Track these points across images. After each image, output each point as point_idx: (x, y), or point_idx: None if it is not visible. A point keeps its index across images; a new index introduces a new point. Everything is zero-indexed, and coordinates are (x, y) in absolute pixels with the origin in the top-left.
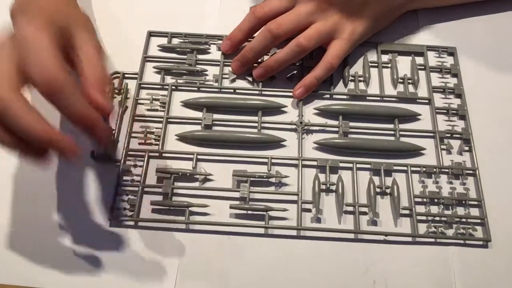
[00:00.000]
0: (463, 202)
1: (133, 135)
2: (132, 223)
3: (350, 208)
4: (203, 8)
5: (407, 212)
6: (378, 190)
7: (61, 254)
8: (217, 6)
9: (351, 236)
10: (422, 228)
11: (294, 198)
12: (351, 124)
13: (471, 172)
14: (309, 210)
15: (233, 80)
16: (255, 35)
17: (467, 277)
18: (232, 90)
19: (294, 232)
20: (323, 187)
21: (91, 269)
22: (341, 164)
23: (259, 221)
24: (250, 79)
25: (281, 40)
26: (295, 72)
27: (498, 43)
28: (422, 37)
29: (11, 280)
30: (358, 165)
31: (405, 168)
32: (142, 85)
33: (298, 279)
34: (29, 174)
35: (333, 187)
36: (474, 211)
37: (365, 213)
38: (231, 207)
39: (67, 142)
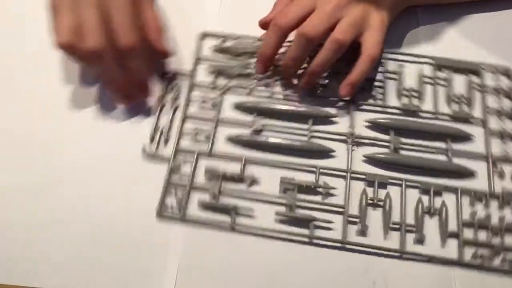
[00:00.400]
0: None
1: (184, 133)
2: (178, 220)
3: (396, 226)
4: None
5: (453, 235)
6: (426, 210)
7: (63, 253)
8: (217, 5)
9: (396, 253)
10: (468, 252)
11: (340, 210)
12: (402, 140)
13: None
14: (354, 223)
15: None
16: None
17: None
18: (282, 96)
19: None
20: (370, 201)
21: (91, 268)
22: (390, 180)
23: (303, 229)
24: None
25: (317, 43)
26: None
27: None
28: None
29: (11, 280)
30: (407, 183)
31: (455, 190)
32: (194, 85)
33: (299, 283)
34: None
35: (380, 203)
36: None
37: (411, 231)
38: (277, 214)
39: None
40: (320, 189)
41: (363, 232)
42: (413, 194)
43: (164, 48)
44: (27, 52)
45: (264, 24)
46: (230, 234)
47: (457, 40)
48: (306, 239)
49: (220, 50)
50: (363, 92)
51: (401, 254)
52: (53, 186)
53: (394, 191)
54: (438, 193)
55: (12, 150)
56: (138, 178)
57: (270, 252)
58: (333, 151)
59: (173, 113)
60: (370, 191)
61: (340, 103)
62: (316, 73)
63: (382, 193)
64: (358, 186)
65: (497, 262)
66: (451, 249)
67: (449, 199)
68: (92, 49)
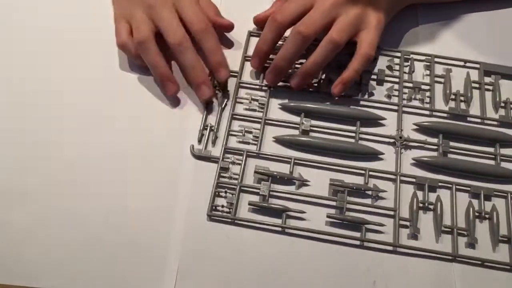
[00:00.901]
0: None
1: (232, 133)
2: (229, 220)
3: (448, 229)
4: None
5: (505, 239)
6: (476, 214)
7: (63, 253)
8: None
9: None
10: None
11: (391, 213)
12: (451, 143)
13: None
14: (405, 227)
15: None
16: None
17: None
18: (329, 97)
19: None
20: (421, 205)
21: (91, 269)
22: (440, 184)
23: (354, 231)
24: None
25: (311, 41)
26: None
27: None
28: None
29: (11, 280)
30: (457, 187)
31: (505, 194)
32: (241, 84)
33: (300, 278)
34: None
35: (431, 206)
36: None
37: (463, 235)
38: (328, 216)
39: (169, 83)
40: (369, 192)
41: (415, 236)
42: (463, 198)
43: (227, 22)
44: (26, 52)
45: (259, 21)
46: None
47: (456, 39)
48: (357, 242)
49: None
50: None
51: (454, 258)
52: (53, 186)
53: (443, 194)
54: (488, 197)
55: (12, 150)
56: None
57: (272, 250)
58: (382, 153)
59: (221, 112)
60: (420, 194)
61: (387, 106)
62: (310, 72)
63: (431, 197)
64: (407, 189)
65: None
66: (503, 254)
67: (499, 203)
68: (179, 41)
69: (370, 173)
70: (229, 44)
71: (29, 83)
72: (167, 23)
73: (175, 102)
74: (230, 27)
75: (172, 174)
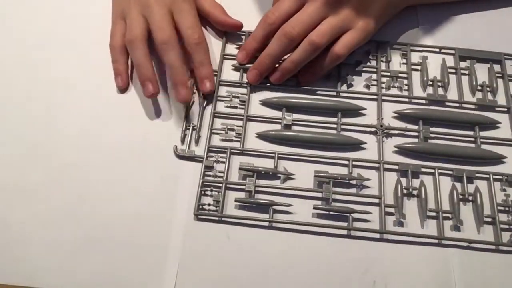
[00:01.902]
0: None
1: (214, 131)
2: (216, 218)
3: (433, 214)
4: None
5: (489, 220)
6: (460, 196)
7: (63, 253)
8: None
9: (435, 241)
10: (505, 236)
11: (376, 201)
12: (431, 129)
13: None
14: (391, 214)
15: None
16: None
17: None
18: (309, 91)
19: (376, 235)
20: (405, 191)
21: (91, 268)
22: (422, 169)
23: (341, 222)
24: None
25: (297, 42)
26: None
27: None
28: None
29: (11, 280)
30: (440, 171)
31: (487, 176)
32: (221, 82)
33: (296, 278)
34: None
35: (415, 192)
36: None
37: (448, 218)
38: (314, 208)
39: (149, 84)
40: (354, 182)
41: (400, 222)
42: (446, 182)
43: (234, 22)
44: (26, 52)
45: None
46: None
47: (456, 38)
48: (345, 232)
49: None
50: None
51: (440, 241)
52: (53, 186)
53: (426, 179)
54: (470, 179)
55: (12, 150)
56: (149, 177)
57: (264, 249)
58: (364, 143)
59: (202, 111)
60: (403, 181)
61: (367, 96)
62: (287, 70)
63: (415, 182)
64: (391, 177)
65: None
66: (488, 235)
67: (481, 185)
68: (165, 40)
69: (354, 163)
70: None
71: (29, 83)
72: (157, 22)
73: (156, 104)
74: (238, 26)
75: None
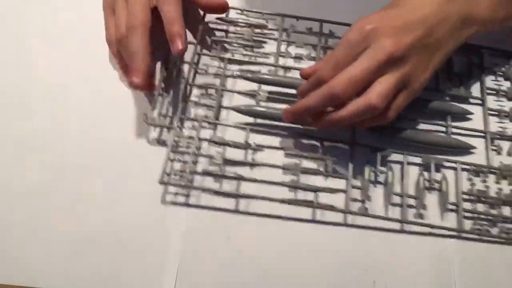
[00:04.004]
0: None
1: (188, 102)
2: (183, 186)
3: (398, 200)
4: None
5: (453, 207)
6: (427, 184)
7: (63, 253)
8: None
9: (397, 227)
10: (467, 225)
11: (343, 181)
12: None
13: None
14: (356, 200)
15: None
16: None
17: (469, 276)
18: (287, 68)
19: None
20: (373, 172)
21: (91, 269)
22: (392, 155)
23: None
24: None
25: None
26: None
27: None
28: None
29: (11, 280)
30: (409, 158)
31: (454, 164)
32: (199, 54)
33: (296, 278)
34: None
35: (383, 175)
36: None
37: (412, 206)
38: (283, 184)
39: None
40: (323, 164)
41: (366, 209)
42: (413, 169)
43: (220, 1)
44: (26, 51)
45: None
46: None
47: None
48: (311, 207)
49: (225, 21)
50: None
51: (402, 225)
52: (53, 186)
53: (394, 167)
54: (437, 167)
55: (12, 150)
56: (142, 173)
57: (264, 249)
58: None
59: (176, 78)
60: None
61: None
62: (331, 123)
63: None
64: (361, 160)
65: (494, 232)
66: (451, 222)
67: (448, 173)
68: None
69: (325, 143)
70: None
71: (29, 83)
72: (130, 5)
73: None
74: (224, 7)
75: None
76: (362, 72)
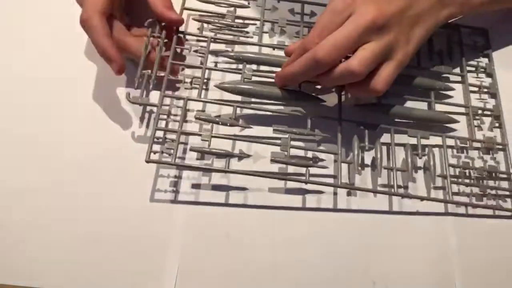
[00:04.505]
0: (494, 175)
1: (171, 80)
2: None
3: (386, 176)
4: None
5: (441, 179)
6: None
7: (63, 253)
8: None
9: (386, 206)
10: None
11: (332, 156)
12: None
13: (501, 147)
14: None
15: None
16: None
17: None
18: (271, 47)
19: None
20: (362, 146)
21: (91, 269)
22: (380, 130)
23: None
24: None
25: (326, 69)
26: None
27: None
28: None
29: (11, 280)
30: (396, 134)
31: (439, 138)
32: (180, 33)
33: (296, 278)
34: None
35: (371, 146)
36: (504, 184)
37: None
38: (272, 161)
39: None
40: (312, 137)
41: (354, 176)
42: (401, 140)
43: (173, 16)
44: (26, 52)
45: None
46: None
47: None
48: (303, 182)
49: (205, 1)
50: None
51: (391, 199)
52: (53, 186)
53: (383, 138)
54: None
55: (12, 150)
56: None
57: (265, 247)
58: (323, 101)
59: (159, 58)
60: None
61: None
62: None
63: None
64: (349, 132)
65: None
66: (439, 194)
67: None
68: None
69: (313, 119)
70: None
71: (29, 83)
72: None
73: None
74: (177, 22)
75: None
76: (346, 37)
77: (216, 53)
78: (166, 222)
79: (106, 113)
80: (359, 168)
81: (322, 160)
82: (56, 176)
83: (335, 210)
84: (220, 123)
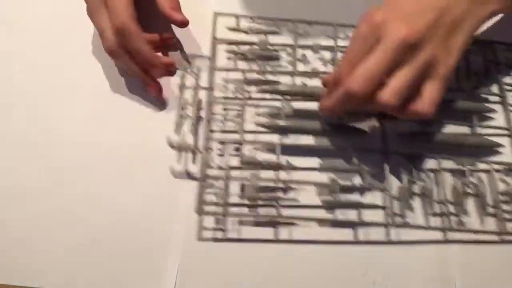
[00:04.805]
0: None
1: (211, 120)
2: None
3: (437, 208)
4: None
5: (493, 210)
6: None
7: (63, 253)
8: None
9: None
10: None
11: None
12: None
13: None
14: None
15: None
16: None
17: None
18: (305, 76)
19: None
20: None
21: (91, 269)
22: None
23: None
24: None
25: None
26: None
27: None
28: None
29: (11, 280)
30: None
31: (487, 165)
32: (214, 69)
33: (296, 278)
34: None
35: (420, 185)
36: None
37: (452, 214)
38: (322, 206)
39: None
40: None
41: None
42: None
43: (178, 17)
44: (26, 53)
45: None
46: None
47: None
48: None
49: (235, 30)
50: None
51: (445, 233)
52: (53, 186)
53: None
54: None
55: (12, 150)
56: (149, 178)
57: (265, 251)
58: (366, 131)
59: (196, 125)
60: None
61: None
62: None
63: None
64: (396, 167)
65: None
66: (491, 224)
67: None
68: (106, 50)
69: (357, 153)
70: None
71: (29, 83)
72: (96, 27)
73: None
74: (182, 23)
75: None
76: (377, 65)
77: (249, 82)
78: (166, 222)
79: (106, 113)
80: (410, 201)
81: (368, 189)
82: (57, 177)
83: (386, 242)
84: (266, 167)
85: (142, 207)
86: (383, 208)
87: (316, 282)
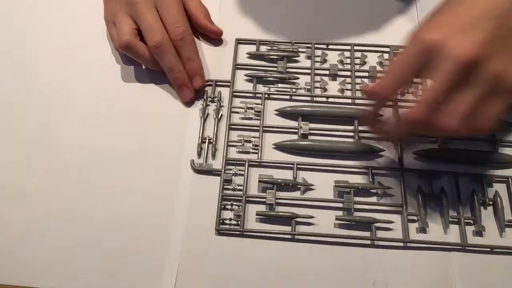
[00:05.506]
0: None
1: (231, 143)
2: (238, 233)
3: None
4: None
5: (510, 223)
6: (480, 201)
7: (63, 253)
8: (217, 6)
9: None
10: None
11: (398, 209)
12: None
13: None
14: (413, 221)
15: (324, 89)
16: None
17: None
18: (324, 99)
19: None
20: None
21: (91, 269)
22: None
23: (364, 231)
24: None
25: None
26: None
27: None
28: None
29: (11, 280)
30: (460, 175)
31: (505, 179)
32: (235, 93)
33: (295, 277)
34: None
35: (436, 199)
36: None
37: (469, 224)
38: (337, 219)
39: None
40: (375, 190)
41: (423, 229)
42: (464, 185)
43: (215, 28)
44: (27, 52)
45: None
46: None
47: None
48: (368, 242)
49: (256, 56)
50: None
51: (463, 247)
52: (53, 186)
53: (446, 182)
54: (489, 183)
55: (12, 150)
56: (149, 178)
57: (275, 254)
58: (383, 150)
59: (217, 124)
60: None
61: None
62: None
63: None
64: (412, 181)
65: None
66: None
67: (499, 188)
68: (157, 43)
69: (374, 171)
70: (219, 52)
71: (29, 84)
72: (145, 22)
73: (171, 114)
74: (218, 33)
75: (171, 185)
76: (436, 92)
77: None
78: (166, 222)
79: (106, 113)
80: (426, 221)
81: (385, 205)
82: (57, 177)
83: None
84: (282, 184)
85: (142, 207)
86: (400, 211)
87: (316, 281)
